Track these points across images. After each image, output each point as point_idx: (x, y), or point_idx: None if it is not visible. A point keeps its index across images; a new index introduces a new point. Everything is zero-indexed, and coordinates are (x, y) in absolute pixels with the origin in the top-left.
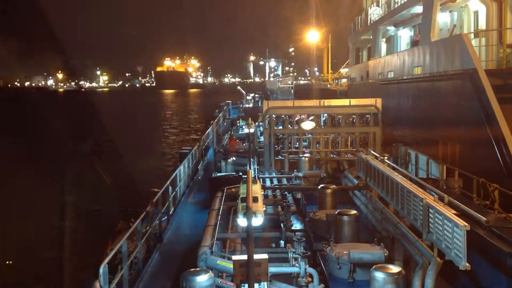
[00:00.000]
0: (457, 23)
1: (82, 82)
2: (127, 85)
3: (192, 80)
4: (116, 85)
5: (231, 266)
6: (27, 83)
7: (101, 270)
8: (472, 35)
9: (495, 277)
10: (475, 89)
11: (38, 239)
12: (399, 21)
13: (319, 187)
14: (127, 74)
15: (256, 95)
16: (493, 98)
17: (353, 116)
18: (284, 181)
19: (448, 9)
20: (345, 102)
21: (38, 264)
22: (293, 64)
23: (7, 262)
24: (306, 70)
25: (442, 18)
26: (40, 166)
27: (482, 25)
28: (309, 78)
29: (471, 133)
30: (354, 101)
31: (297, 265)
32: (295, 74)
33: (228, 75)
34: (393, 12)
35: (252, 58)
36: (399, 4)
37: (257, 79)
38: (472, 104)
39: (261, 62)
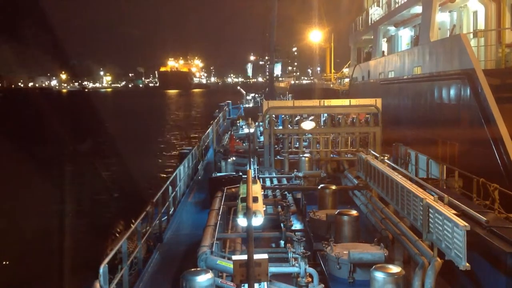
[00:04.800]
0: (457, 23)
1: (85, 83)
2: (130, 86)
3: (196, 80)
4: (119, 86)
5: (231, 266)
6: (30, 84)
7: (101, 270)
8: (471, 35)
9: (495, 277)
10: (474, 89)
11: (38, 239)
12: (399, 21)
13: (319, 187)
14: (130, 75)
15: (257, 95)
16: (491, 98)
17: (353, 116)
18: (284, 181)
19: (448, 9)
20: (345, 102)
21: (38, 264)
22: (296, 64)
23: (7, 262)
24: (309, 70)
25: (442, 18)
26: (40, 166)
27: (481, 25)
28: (311, 78)
29: (469, 133)
30: (354, 101)
31: (297, 265)
32: (298, 73)
33: (231, 75)
34: (393, 12)
35: (252, 58)
36: (399, 4)
37: (260, 79)
38: (470, 104)
39: (261, 62)
